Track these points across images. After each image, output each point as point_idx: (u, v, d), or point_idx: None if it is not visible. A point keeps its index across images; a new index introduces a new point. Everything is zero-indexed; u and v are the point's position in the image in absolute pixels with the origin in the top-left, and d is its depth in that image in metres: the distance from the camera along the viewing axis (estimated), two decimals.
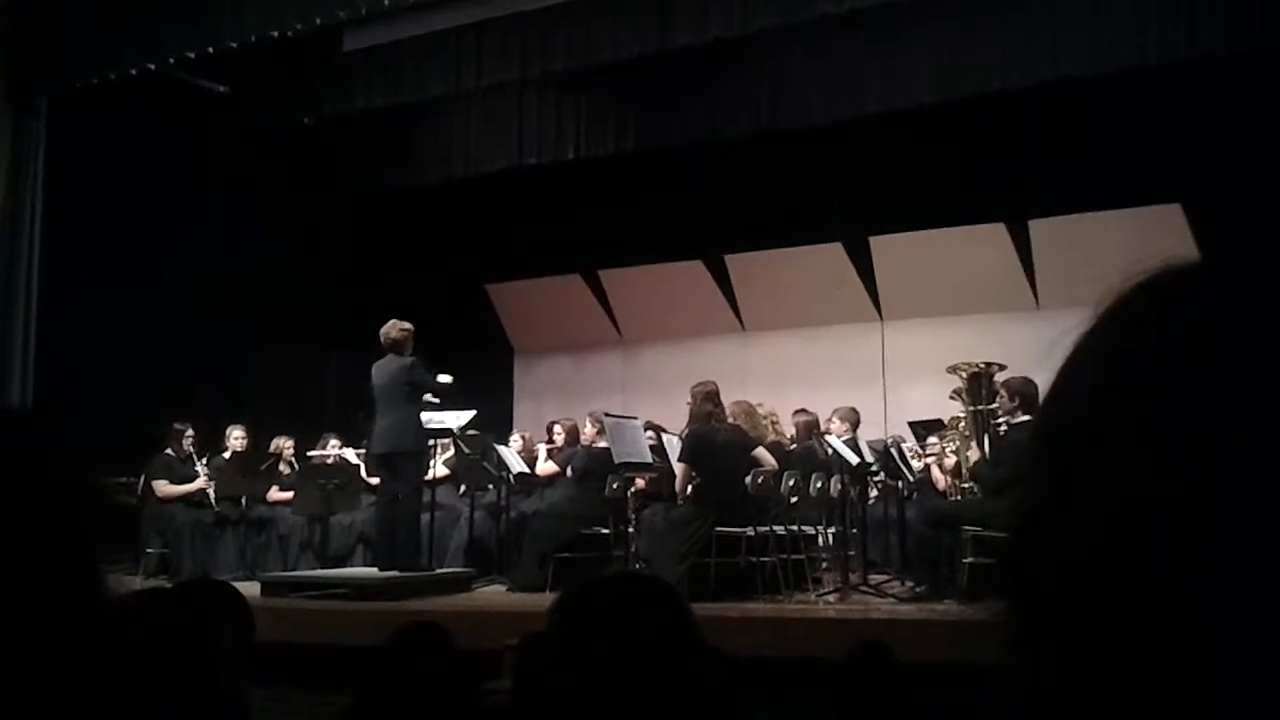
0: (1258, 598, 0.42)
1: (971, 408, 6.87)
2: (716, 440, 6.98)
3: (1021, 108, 8.86)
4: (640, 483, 7.68)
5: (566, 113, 10.14)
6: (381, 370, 7.54)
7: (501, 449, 8.41)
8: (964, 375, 6.97)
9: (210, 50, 8.60)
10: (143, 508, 8.69)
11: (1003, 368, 6.90)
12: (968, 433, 6.92)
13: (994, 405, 6.71)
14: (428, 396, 7.64)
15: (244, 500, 8.83)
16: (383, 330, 7.63)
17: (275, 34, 8.37)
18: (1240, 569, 0.42)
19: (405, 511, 7.56)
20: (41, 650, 0.81)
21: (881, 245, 10.61)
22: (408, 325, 7.62)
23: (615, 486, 7.32)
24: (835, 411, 8.08)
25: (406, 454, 7.53)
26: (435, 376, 7.63)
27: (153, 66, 8.90)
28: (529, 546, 7.59)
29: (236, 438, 8.95)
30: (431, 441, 8.13)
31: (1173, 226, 8.72)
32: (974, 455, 6.77)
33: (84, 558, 0.88)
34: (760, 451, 7.05)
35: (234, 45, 8.49)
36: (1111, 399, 0.47)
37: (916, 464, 7.80)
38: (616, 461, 7.15)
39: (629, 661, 1.40)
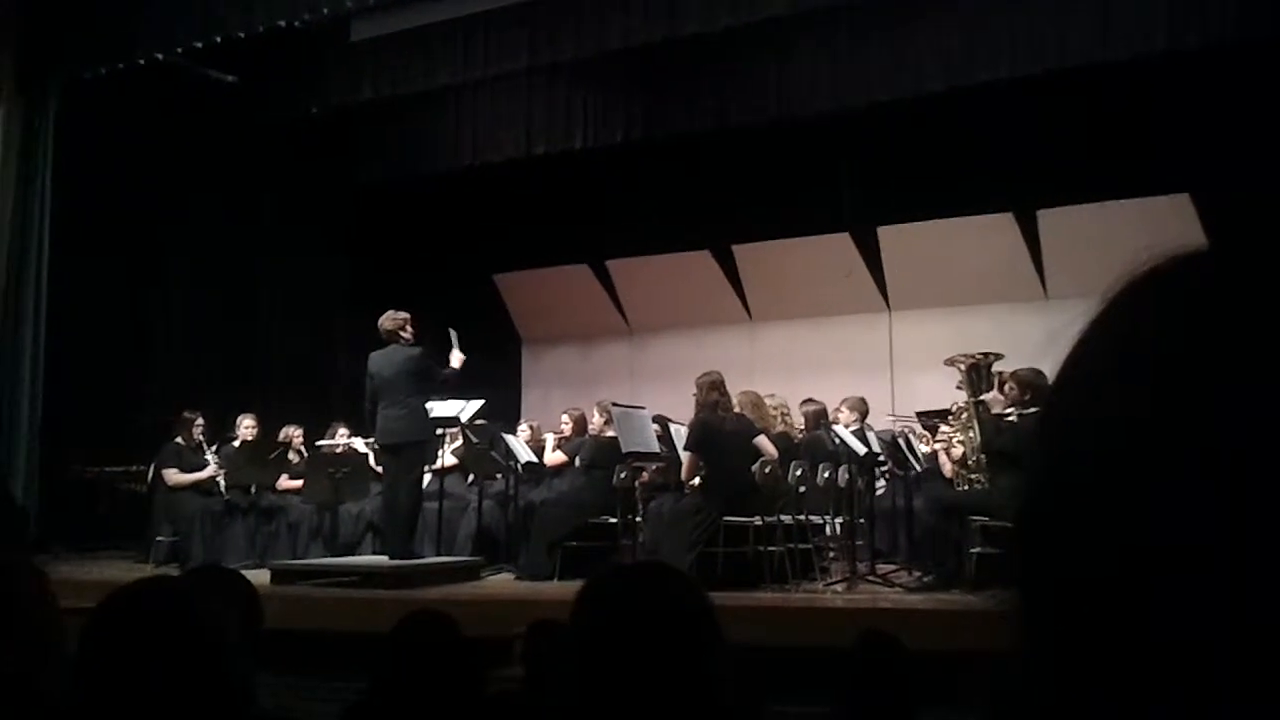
0: (1263, 592, 0.42)
1: (973, 399, 6.87)
2: (723, 429, 6.98)
3: (1030, 97, 8.83)
4: (648, 473, 7.68)
5: (574, 102, 10.12)
6: (388, 361, 7.52)
7: (509, 438, 8.42)
8: (962, 367, 6.97)
9: (219, 40, 8.61)
10: (153, 496, 8.76)
11: (1000, 357, 6.88)
12: (970, 422, 6.93)
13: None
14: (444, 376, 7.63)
15: (253, 489, 8.86)
16: (379, 322, 7.61)
17: (283, 24, 8.38)
18: (1247, 562, 0.42)
19: (405, 500, 7.57)
20: None
21: (889, 235, 10.59)
22: (402, 314, 7.60)
23: (623, 476, 7.31)
24: (844, 401, 8.08)
25: (412, 444, 7.54)
26: (448, 360, 7.61)
27: (161, 57, 8.92)
28: (537, 535, 7.60)
29: (246, 426, 8.97)
30: (440, 431, 8.17)
31: (1182, 216, 8.68)
32: (976, 443, 6.78)
33: None
34: (761, 439, 7.04)
35: (242, 35, 8.50)
36: (1116, 388, 0.47)
37: (925, 448, 7.78)
38: (624, 451, 7.16)
39: (652, 649, 1.42)
